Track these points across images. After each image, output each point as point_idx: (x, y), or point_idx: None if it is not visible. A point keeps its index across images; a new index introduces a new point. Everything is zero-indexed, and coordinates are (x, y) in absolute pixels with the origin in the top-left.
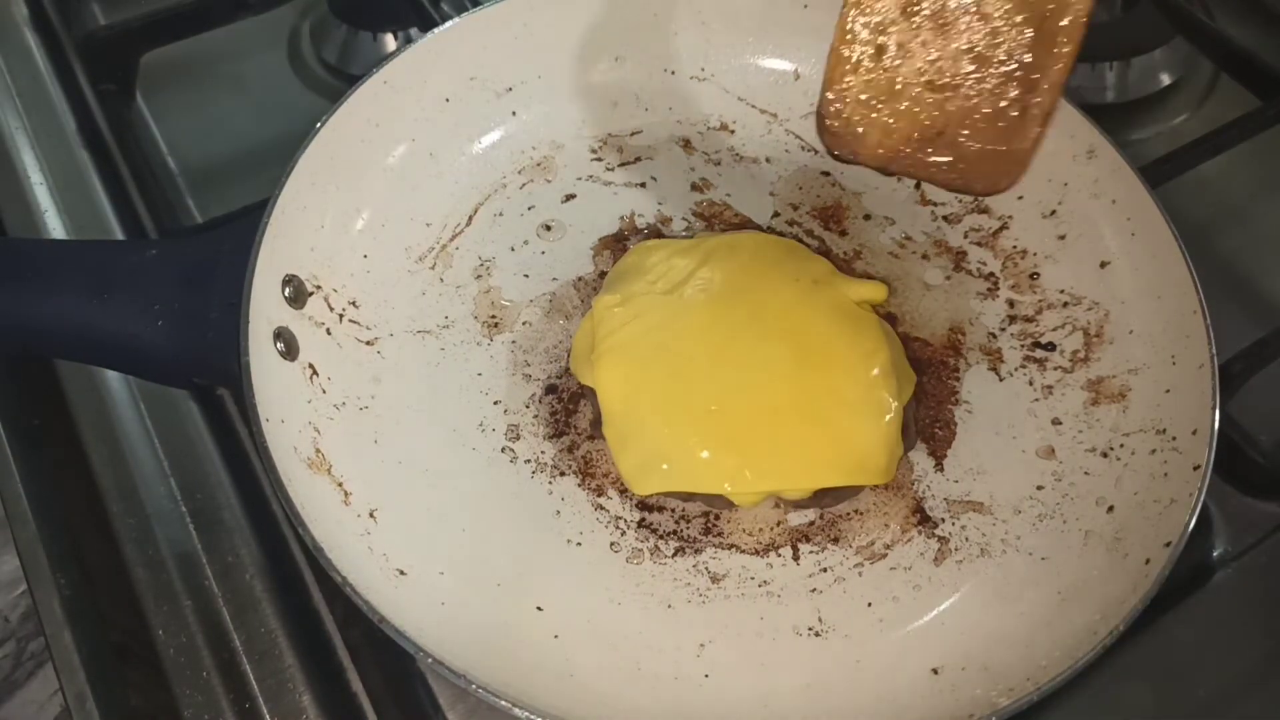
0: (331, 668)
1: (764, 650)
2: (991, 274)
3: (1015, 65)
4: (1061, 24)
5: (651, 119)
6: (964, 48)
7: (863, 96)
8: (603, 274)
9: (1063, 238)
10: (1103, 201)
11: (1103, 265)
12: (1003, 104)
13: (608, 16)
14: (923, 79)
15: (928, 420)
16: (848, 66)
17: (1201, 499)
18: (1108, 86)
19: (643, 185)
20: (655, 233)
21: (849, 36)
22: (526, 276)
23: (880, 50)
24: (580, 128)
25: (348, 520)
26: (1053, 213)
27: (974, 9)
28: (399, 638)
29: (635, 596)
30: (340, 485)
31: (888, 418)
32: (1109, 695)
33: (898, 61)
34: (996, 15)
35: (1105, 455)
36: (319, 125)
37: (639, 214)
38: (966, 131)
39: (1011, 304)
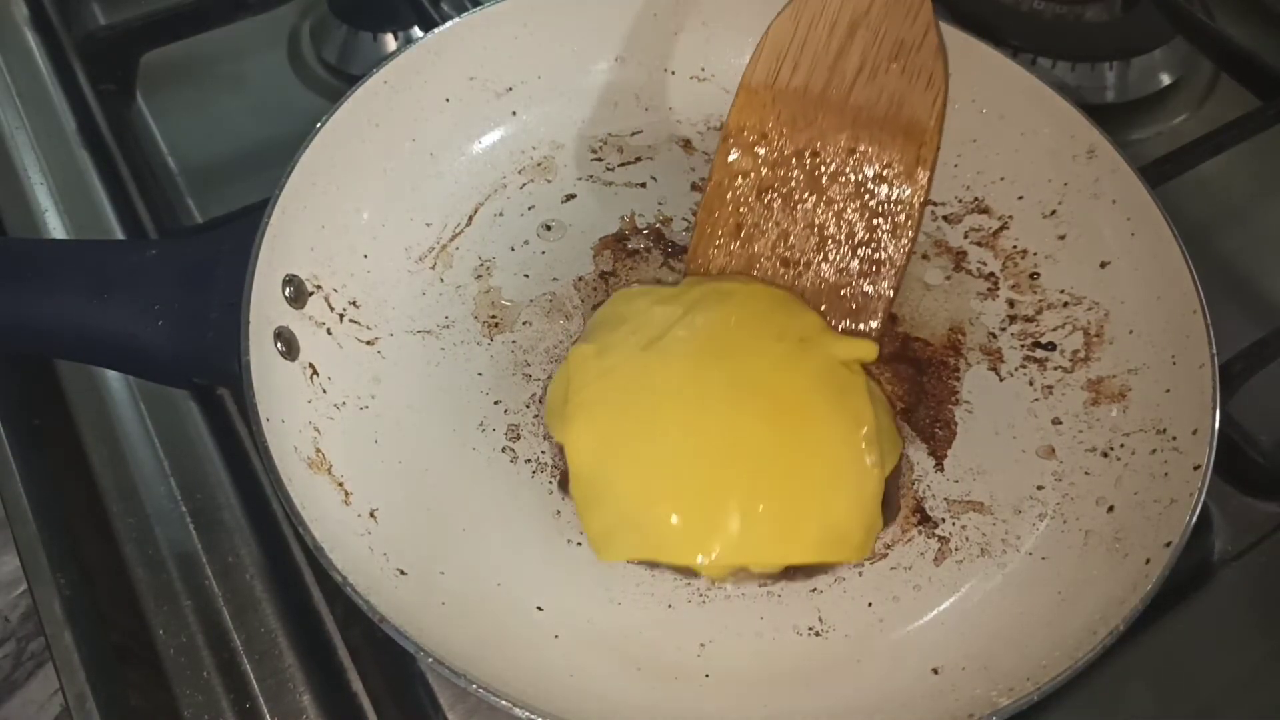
0: (331, 668)
1: (764, 650)
2: (991, 274)
3: (859, 250)
4: (896, 220)
5: (651, 119)
6: (811, 229)
7: (725, 269)
8: (603, 274)
9: (1063, 238)
10: (1103, 201)
11: (1103, 265)
12: (848, 285)
13: (608, 16)
14: (777, 254)
15: (928, 420)
16: (711, 242)
17: (1201, 499)
18: (1108, 86)
19: (643, 185)
20: (655, 233)
21: (712, 214)
22: (527, 276)
23: (738, 227)
24: (580, 128)
25: (348, 520)
26: (1053, 213)
27: (819, 196)
28: (399, 638)
29: (635, 596)
30: (340, 485)
31: (868, 491)
32: (1109, 695)
33: (754, 238)
34: (838, 202)
35: (1105, 455)
36: (319, 125)
37: (639, 214)
38: (819, 306)
39: (1011, 304)
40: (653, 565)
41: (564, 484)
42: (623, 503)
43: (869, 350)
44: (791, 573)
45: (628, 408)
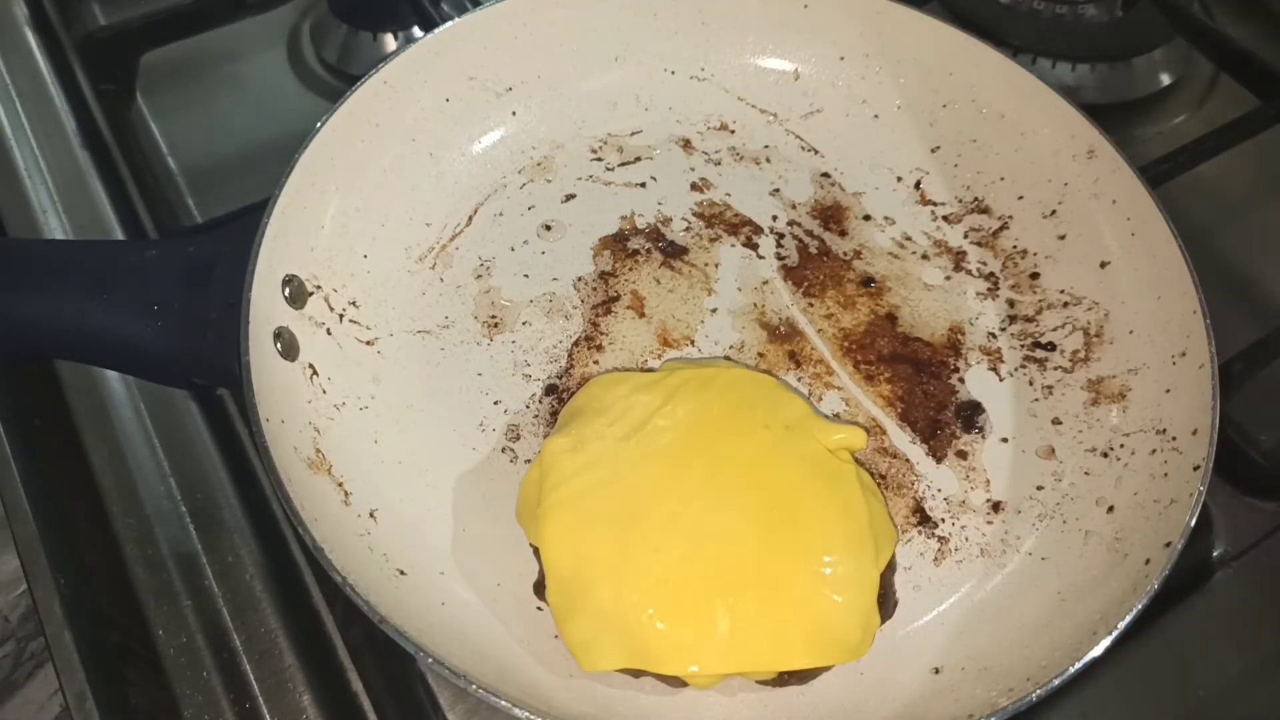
0: (331, 668)
1: None
2: (991, 274)
3: None
4: None
5: (651, 119)
6: None
7: None
8: (603, 274)
9: (1063, 238)
10: (1103, 201)
11: (1103, 265)
12: None
13: (608, 16)
14: None
15: (928, 420)
16: None
17: (1201, 499)
18: (1108, 86)
19: (643, 185)
20: (655, 233)
21: None
22: (526, 276)
23: None
24: (580, 128)
25: (348, 520)
26: (1053, 213)
27: None
28: (399, 638)
29: None
30: (340, 485)
31: (864, 588)
32: (1109, 695)
33: None
34: None
35: (1105, 455)
36: (319, 125)
37: (639, 214)
38: None
39: (1011, 304)
40: (636, 674)
41: (540, 588)
42: (604, 609)
43: (858, 438)
44: (785, 677)
45: (607, 506)
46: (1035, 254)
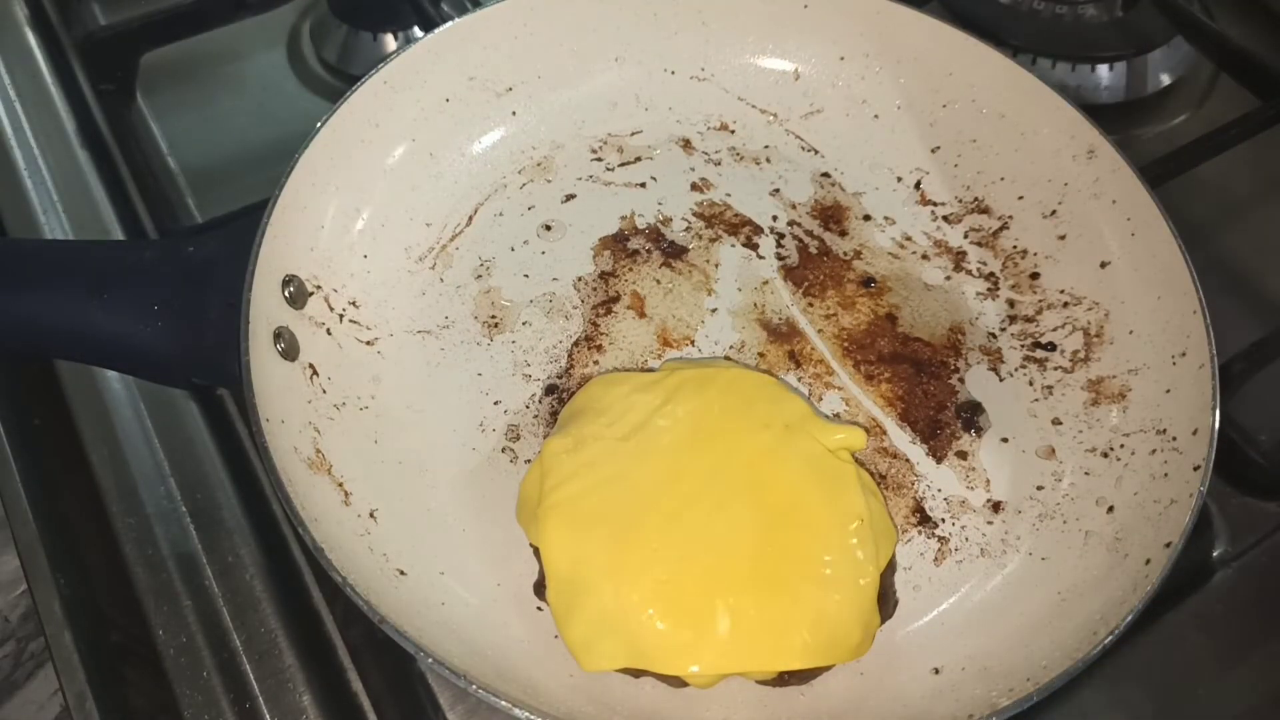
0: (331, 668)
1: None
2: (992, 274)
3: None
4: None
5: (651, 119)
6: None
7: None
8: (603, 274)
9: (1063, 238)
10: (1103, 201)
11: (1103, 265)
12: None
13: (608, 16)
14: None
15: (928, 420)
16: None
17: (1201, 499)
18: (1107, 86)
19: (643, 185)
20: (655, 233)
21: None
22: (526, 276)
23: None
24: (580, 128)
25: (348, 520)
26: (1053, 213)
27: None
28: (399, 638)
29: None
30: (340, 485)
31: (864, 589)
32: (1109, 695)
33: None
34: None
35: (1105, 455)
36: (319, 125)
37: (639, 214)
38: None
39: (1012, 304)
40: (636, 674)
41: (540, 588)
42: (604, 609)
43: (858, 438)
44: (785, 677)
45: (606, 506)
46: (1035, 254)
